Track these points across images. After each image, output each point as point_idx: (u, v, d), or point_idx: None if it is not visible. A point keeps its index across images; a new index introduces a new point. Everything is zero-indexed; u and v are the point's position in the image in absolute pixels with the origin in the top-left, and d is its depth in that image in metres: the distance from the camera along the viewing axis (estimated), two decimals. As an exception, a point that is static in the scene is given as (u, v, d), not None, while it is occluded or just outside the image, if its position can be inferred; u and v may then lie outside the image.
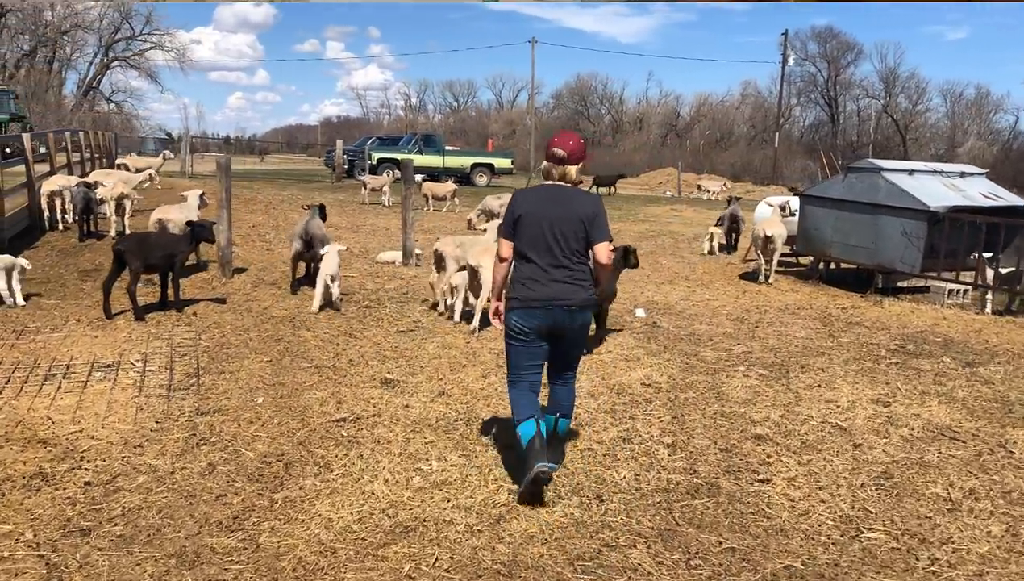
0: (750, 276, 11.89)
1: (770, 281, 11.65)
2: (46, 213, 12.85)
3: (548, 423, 4.49)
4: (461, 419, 5.46)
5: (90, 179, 14.52)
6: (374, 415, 5.44)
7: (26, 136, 12.77)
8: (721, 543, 3.96)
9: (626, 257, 7.69)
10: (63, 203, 12.81)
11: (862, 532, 4.14)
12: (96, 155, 23.74)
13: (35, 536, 3.73)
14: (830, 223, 11.49)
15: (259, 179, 31.79)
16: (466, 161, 35.39)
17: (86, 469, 4.44)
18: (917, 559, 3.89)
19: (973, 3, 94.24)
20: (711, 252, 14.87)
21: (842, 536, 4.10)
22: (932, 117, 73.70)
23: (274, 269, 10.67)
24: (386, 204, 21.38)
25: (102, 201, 12.50)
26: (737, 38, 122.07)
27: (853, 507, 4.42)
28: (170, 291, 8.08)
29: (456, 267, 8.33)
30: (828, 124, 77.10)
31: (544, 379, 4.63)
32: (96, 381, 5.92)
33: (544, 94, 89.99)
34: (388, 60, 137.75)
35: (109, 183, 15.82)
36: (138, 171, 17.70)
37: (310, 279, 9.48)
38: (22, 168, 13.10)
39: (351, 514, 4.04)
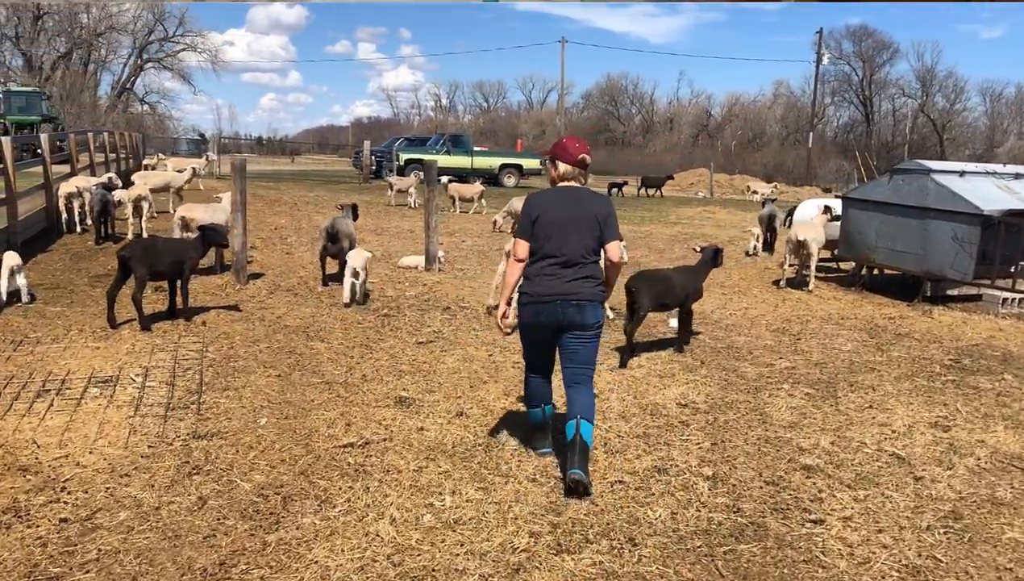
0: (791, 282, 11.32)
1: (810, 288, 11.08)
2: (64, 215, 12.60)
3: (570, 428, 4.46)
4: (480, 445, 5.00)
5: (135, 178, 14.33)
6: (385, 439, 4.99)
7: (43, 136, 12.51)
8: (772, 600, 3.46)
9: (715, 257, 7.69)
10: (81, 205, 12.56)
11: (934, 588, 3.62)
12: (122, 156, 23.62)
13: (-3, 584, 3.33)
14: (874, 227, 10.89)
15: (287, 180, 31.62)
16: (494, 162, 34.93)
17: (65, 503, 4.03)
18: (1001, 623, 3.37)
19: (1004, 3, 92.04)
20: (754, 252, 14.59)
21: (911, 593, 3.58)
22: (970, 116, 72.24)
23: (292, 274, 10.30)
24: (412, 206, 21.00)
25: (120, 203, 12.21)
26: (768, 38, 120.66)
27: (920, 554, 3.89)
28: (179, 299, 7.70)
29: None
30: (862, 124, 75.75)
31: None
32: (91, 398, 5.53)
33: (574, 94, 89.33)
34: (419, 61, 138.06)
35: (155, 181, 15.68)
36: (180, 171, 17.40)
37: (336, 277, 9.65)
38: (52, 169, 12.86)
39: (351, 561, 3.59)
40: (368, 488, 4.30)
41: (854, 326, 8.95)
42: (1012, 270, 9.94)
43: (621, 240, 4.65)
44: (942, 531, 4.14)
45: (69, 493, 4.13)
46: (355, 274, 8.67)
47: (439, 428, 5.24)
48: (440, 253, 11.22)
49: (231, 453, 4.69)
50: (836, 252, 12.49)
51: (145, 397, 5.61)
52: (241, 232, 9.04)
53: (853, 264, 12.07)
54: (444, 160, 33.68)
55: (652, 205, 26.74)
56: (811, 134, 54.70)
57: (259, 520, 3.93)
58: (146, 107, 71.60)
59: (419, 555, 3.66)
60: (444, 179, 22.56)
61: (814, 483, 4.67)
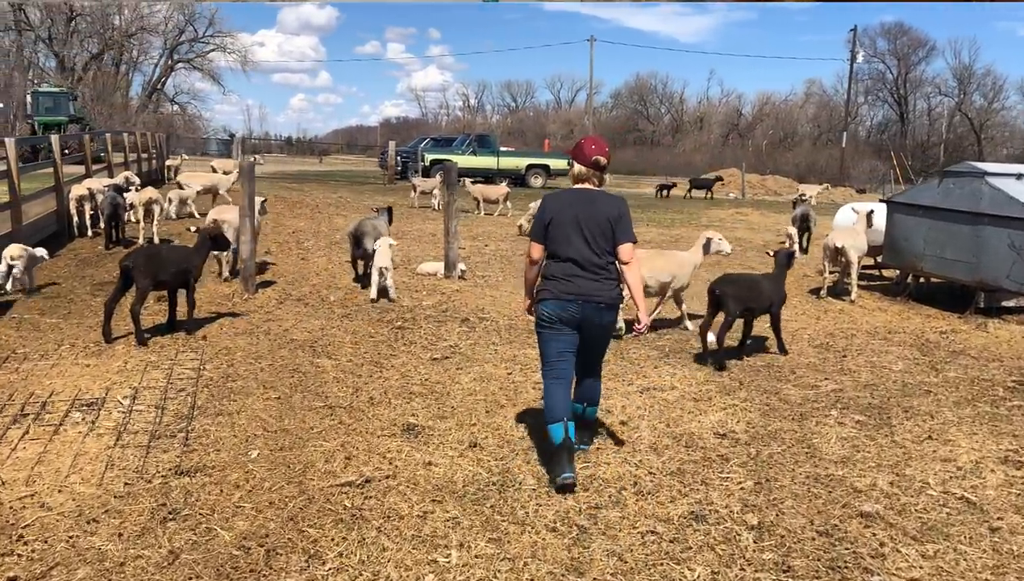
0: (831, 291, 10.67)
1: (852, 298, 10.43)
2: (75, 218, 12.25)
3: (577, 408, 4.77)
4: (494, 483, 4.46)
5: (182, 180, 14.04)
6: (388, 476, 4.47)
7: (55, 137, 12.16)
8: None
9: (789, 261, 7.64)
10: (93, 208, 12.20)
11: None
12: (144, 156, 23.39)
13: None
14: (922, 233, 10.20)
15: (311, 181, 31.31)
16: (521, 162, 34.36)
17: (19, 555, 3.55)
18: None
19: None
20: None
21: None
22: (1008, 115, 70.54)
23: (304, 282, 9.83)
24: (436, 208, 20.50)
25: (132, 206, 11.83)
26: (799, 37, 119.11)
27: (1006, 630, 3.30)
28: (178, 310, 7.25)
29: None
30: (896, 123, 74.31)
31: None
32: (71, 424, 5.07)
33: (603, 94, 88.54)
34: (447, 61, 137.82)
35: (200, 182, 15.43)
36: (226, 173, 17.01)
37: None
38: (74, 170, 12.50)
39: (337, 637, 3.07)
40: (364, 540, 3.77)
41: (903, 341, 8.30)
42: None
43: (635, 242, 4.65)
44: (1030, 599, 3.55)
45: (26, 544, 3.65)
46: (381, 273, 8.87)
47: (449, 462, 4.71)
48: (461, 265, 10.68)
49: (214, 493, 4.19)
50: (879, 259, 11.82)
51: (130, 423, 5.13)
52: (250, 238, 8.57)
53: (896, 272, 11.39)
54: (470, 161, 33.22)
55: (683, 207, 26.06)
56: (845, 133, 53.41)
57: (236, 579, 3.42)
58: (176, 107, 72.05)
59: (416, 630, 3.13)
60: (467, 181, 22.08)
61: (874, 533, 4.08)
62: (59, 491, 4.16)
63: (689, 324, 8.42)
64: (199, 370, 6.23)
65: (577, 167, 4.71)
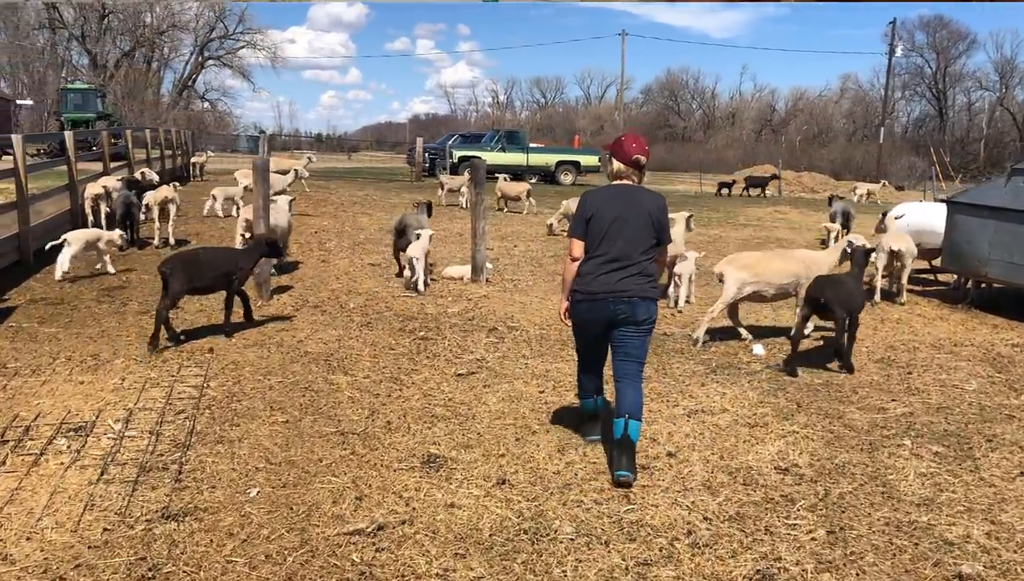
0: (886, 296, 9.96)
1: (902, 301, 9.85)
2: (90, 218, 11.82)
3: (618, 427, 4.54)
4: (526, 531, 3.86)
5: (238, 176, 13.72)
6: (404, 522, 3.89)
7: (68, 134, 11.72)
8: None
9: (867, 258, 7.34)
10: (109, 206, 11.76)
11: None
12: (168, 153, 23.06)
13: None
14: (987, 236, 9.44)
15: (338, 178, 30.86)
16: (551, 158, 33.71)
17: (-34, 626, 3.01)
18: None
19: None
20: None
21: None
22: (1053, 110, 68.60)
23: (323, 286, 9.29)
24: (463, 206, 19.93)
25: (147, 207, 11.37)
26: (833, 31, 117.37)
27: None
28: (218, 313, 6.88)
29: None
30: (935, 118, 72.69)
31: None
32: (54, 453, 4.54)
33: (633, 89, 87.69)
34: (477, 57, 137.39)
35: (248, 182, 14.96)
36: (284, 173, 16.58)
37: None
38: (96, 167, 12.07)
39: None
40: (372, 609, 3.19)
41: (972, 356, 7.58)
42: None
43: (669, 241, 4.74)
44: None
45: (-24, 610, 3.11)
46: (411, 263, 8.99)
47: (474, 503, 4.12)
48: (488, 265, 10.09)
49: (203, 543, 3.62)
50: (934, 263, 11.08)
51: (119, 452, 4.59)
52: (263, 241, 8.04)
53: (955, 277, 10.63)
54: (499, 157, 32.64)
55: (718, 205, 25.24)
56: (883, 129, 52.10)
57: (218, 663, 2.85)
58: (206, 104, 72.26)
59: None
60: (501, 179, 21.49)
61: (977, 602, 3.43)
62: (27, 538, 3.62)
63: (759, 350, 7.70)
64: (202, 388, 5.69)
65: (616, 164, 4.66)
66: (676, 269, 9.06)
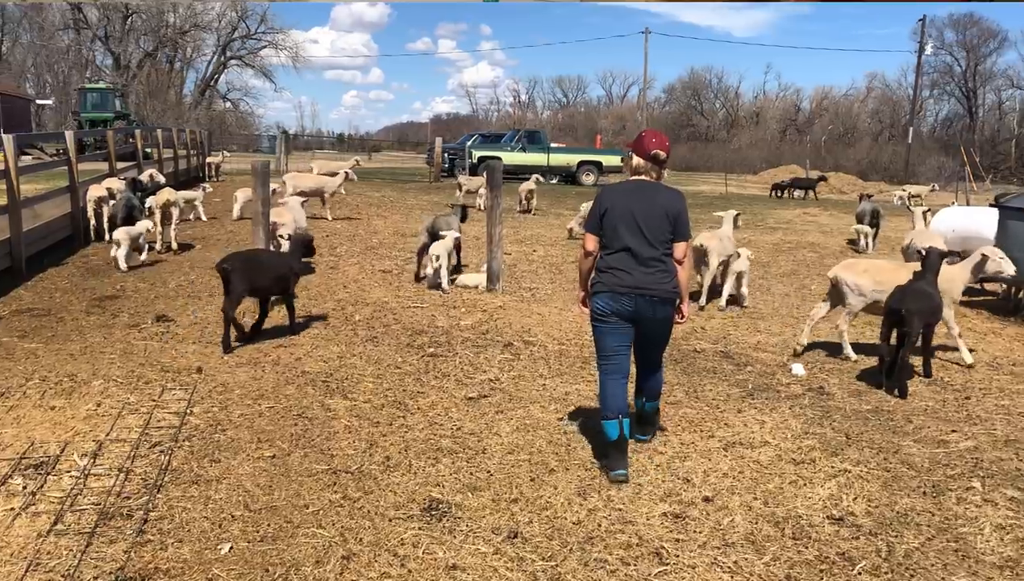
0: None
1: None
2: (92, 221, 11.35)
3: (636, 404, 4.79)
4: (540, 603, 3.27)
5: (286, 179, 13.46)
6: (398, 589, 3.31)
7: (69, 133, 11.25)
8: None
9: (940, 260, 6.66)
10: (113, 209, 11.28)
11: None
12: (182, 153, 22.66)
13: None
14: (1043, 243, 8.73)
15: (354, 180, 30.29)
16: (572, 158, 33.02)
17: None
18: None
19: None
20: (865, 249, 14.28)
21: None
22: (1086, 109, 67.04)
23: (330, 296, 8.73)
24: (480, 208, 19.33)
25: (150, 210, 10.87)
26: (856, 31, 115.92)
27: None
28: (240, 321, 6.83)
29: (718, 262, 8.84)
30: (964, 118, 71.28)
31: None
32: (6, 496, 4.00)
33: (656, 89, 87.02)
34: (499, 57, 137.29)
35: (306, 184, 14.61)
36: (332, 175, 16.17)
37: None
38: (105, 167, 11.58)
39: None
40: None
41: (1035, 377, 6.90)
42: None
43: (690, 239, 4.65)
44: None
45: None
46: (433, 262, 9.01)
47: (481, 565, 3.53)
48: (478, 278, 9.50)
49: (157, 618, 3.07)
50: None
51: (81, 494, 4.05)
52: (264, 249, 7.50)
53: (1003, 287, 9.92)
54: (520, 157, 32.04)
55: (744, 205, 24.37)
56: (912, 129, 50.96)
57: None
58: (228, 104, 72.27)
59: None
60: (537, 177, 20.93)
61: None
62: (-47, 609, 3.09)
63: (851, 353, 7.20)
64: (184, 415, 5.14)
65: (636, 159, 4.61)
66: (732, 267, 8.93)
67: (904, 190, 25.93)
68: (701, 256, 8.85)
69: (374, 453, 4.67)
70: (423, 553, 3.60)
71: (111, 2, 62.07)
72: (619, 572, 3.52)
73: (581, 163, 32.64)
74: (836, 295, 7.20)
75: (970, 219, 10.84)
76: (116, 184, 11.48)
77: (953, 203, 28.82)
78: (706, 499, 4.28)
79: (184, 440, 4.75)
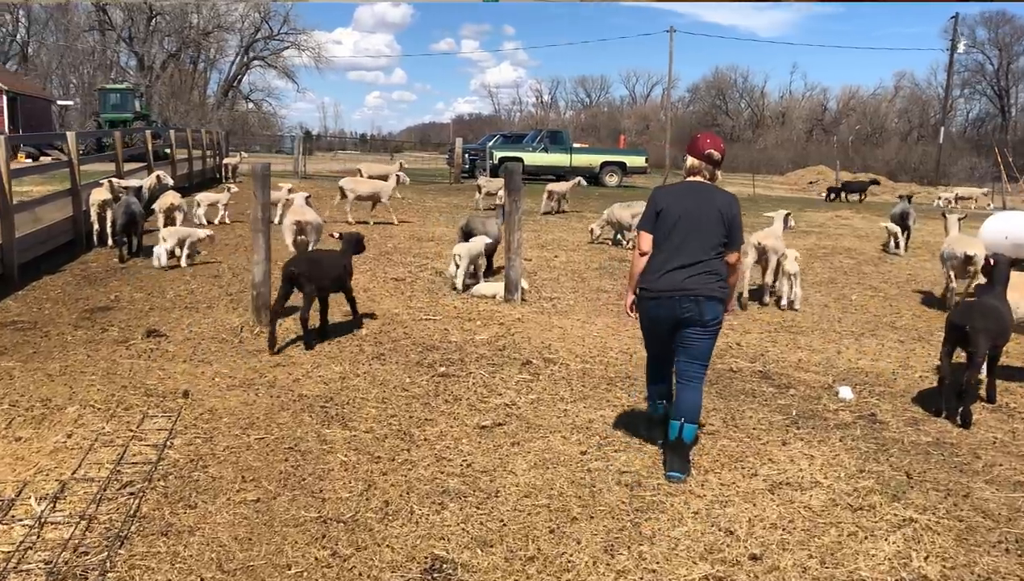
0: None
1: None
2: (95, 226, 10.90)
3: (673, 429, 4.52)
4: None
5: (343, 184, 13.06)
6: (387, 682, 2.74)
7: (70, 134, 10.79)
8: None
9: (1009, 269, 5.94)
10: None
11: None
12: (197, 154, 22.27)
13: None
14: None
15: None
16: (595, 159, 32.39)
17: None
18: None
19: None
20: (896, 250, 14.13)
21: None
22: (1123, 108, 65.52)
23: (336, 307, 8.13)
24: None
25: (152, 214, 10.39)
26: (882, 30, 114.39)
27: None
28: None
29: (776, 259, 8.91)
30: (996, 117, 69.87)
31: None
32: (-56, 550, 3.48)
33: (680, 88, 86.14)
34: (521, 57, 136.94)
35: (364, 189, 14.34)
36: (384, 178, 15.86)
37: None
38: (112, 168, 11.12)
39: None
40: None
41: (1110, 402, 6.22)
42: None
43: (742, 244, 4.61)
44: None
45: None
46: (456, 262, 9.01)
47: (489, 647, 2.96)
48: (524, 283, 8.92)
49: None
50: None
51: (33, 547, 3.52)
52: (263, 259, 6.97)
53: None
54: (542, 158, 31.48)
55: (773, 207, 23.65)
56: (943, 129, 49.79)
57: None
58: (251, 105, 72.25)
59: None
60: (579, 180, 20.50)
61: None
62: None
63: None
64: (163, 448, 4.60)
65: (690, 160, 4.64)
66: (784, 267, 8.90)
67: (950, 192, 25.11)
68: (760, 254, 8.96)
69: (371, 497, 4.11)
70: (421, 631, 3.04)
71: (135, 3, 62.24)
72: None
73: (604, 164, 32.02)
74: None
75: (1024, 225, 10.15)
76: (118, 184, 10.98)
77: (989, 206, 27.97)
78: (753, 557, 3.68)
79: (159, 479, 4.21)
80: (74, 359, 6.10)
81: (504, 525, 3.88)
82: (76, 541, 3.58)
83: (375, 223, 15.34)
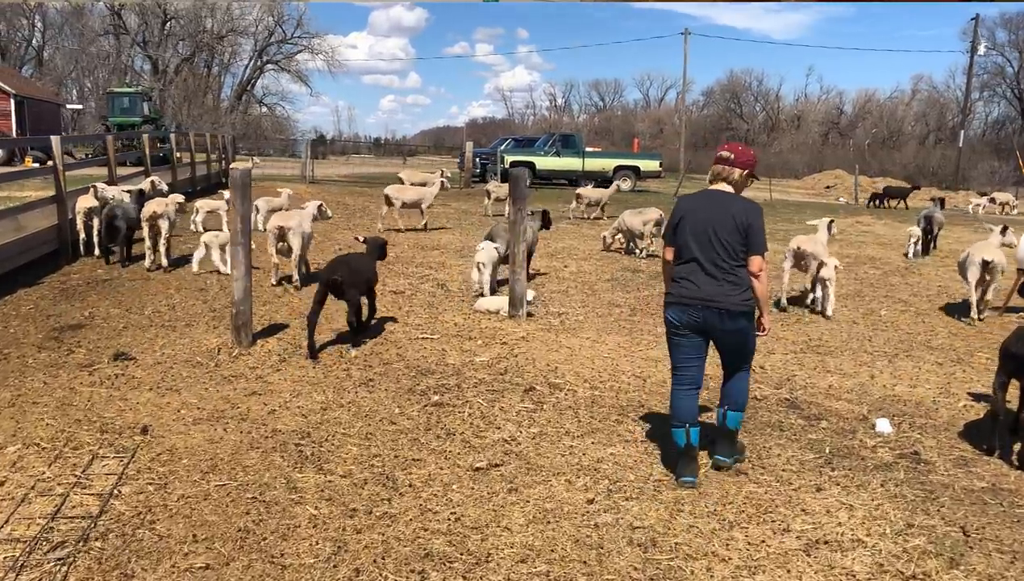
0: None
1: (982, 318, 8.87)
2: (81, 235, 10.37)
3: (718, 416, 4.64)
4: None
5: (388, 192, 12.65)
6: None
7: (55, 138, 10.25)
8: None
9: None
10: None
11: None
12: (200, 159, 21.77)
13: None
14: None
15: (381, 184, 29.34)
16: (608, 163, 31.72)
17: None
18: None
19: None
20: (915, 255, 14.09)
21: None
22: None
23: (327, 323, 7.54)
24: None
25: (138, 222, 9.82)
26: (898, 32, 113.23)
27: None
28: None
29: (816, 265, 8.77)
30: (1017, 120, 68.70)
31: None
32: None
33: (694, 92, 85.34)
34: (535, 61, 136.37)
35: (408, 196, 14.25)
36: (424, 184, 15.52)
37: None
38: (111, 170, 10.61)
39: None
40: None
41: None
42: None
43: (764, 253, 4.40)
44: None
45: None
46: (478, 269, 8.82)
47: None
48: (529, 294, 8.32)
49: None
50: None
51: (-72, 633, 2.95)
52: (243, 275, 6.39)
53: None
54: (554, 162, 30.88)
55: (791, 213, 22.97)
56: (963, 132, 48.85)
57: None
58: (264, 109, 72.05)
59: None
60: (590, 187, 20.03)
61: None
62: None
63: None
64: (108, 498, 4.02)
65: (713, 168, 4.63)
66: (821, 274, 8.81)
67: (982, 196, 24.42)
68: (798, 259, 8.95)
69: (340, 564, 3.51)
70: None
71: (149, 6, 62.21)
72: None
73: (618, 168, 31.34)
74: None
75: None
76: (114, 193, 10.45)
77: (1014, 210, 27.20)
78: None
79: (96, 539, 3.63)
80: (29, 387, 5.54)
81: (494, 599, 3.28)
82: (-16, 622, 3.01)
83: (415, 230, 14.77)
